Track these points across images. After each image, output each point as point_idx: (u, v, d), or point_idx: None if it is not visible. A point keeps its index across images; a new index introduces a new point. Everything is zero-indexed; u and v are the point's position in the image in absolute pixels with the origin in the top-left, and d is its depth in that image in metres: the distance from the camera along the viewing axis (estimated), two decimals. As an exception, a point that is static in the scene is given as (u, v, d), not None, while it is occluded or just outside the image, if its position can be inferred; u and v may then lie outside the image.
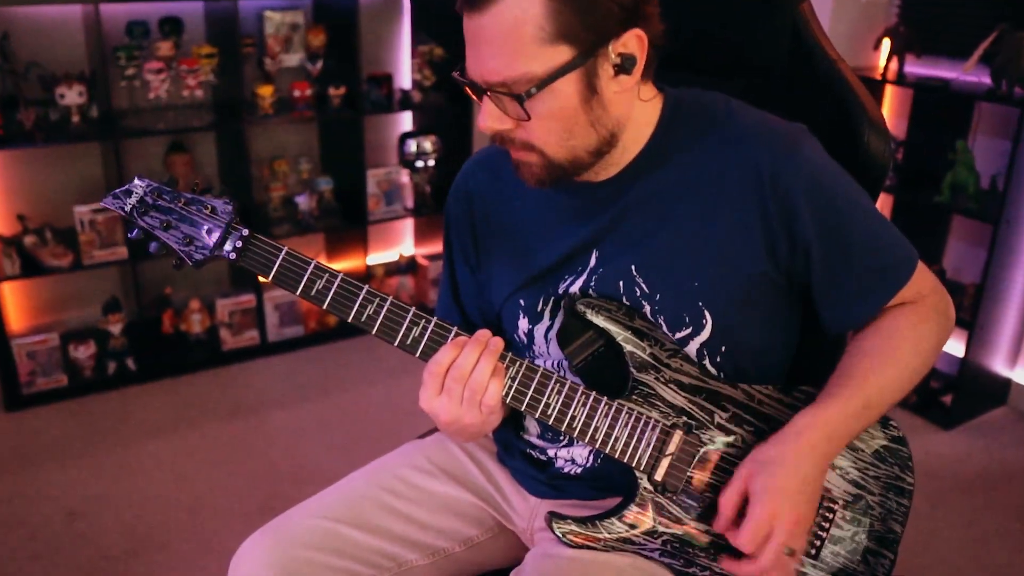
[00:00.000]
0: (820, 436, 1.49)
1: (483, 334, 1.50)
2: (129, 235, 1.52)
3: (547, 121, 1.46)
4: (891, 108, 4.52)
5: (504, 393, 1.52)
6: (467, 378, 1.48)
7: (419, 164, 4.89)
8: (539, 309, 1.67)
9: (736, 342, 1.59)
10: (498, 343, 1.50)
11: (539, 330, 1.68)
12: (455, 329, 1.52)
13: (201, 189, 1.52)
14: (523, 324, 1.70)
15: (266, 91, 4.37)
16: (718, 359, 1.59)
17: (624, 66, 1.46)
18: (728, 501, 1.50)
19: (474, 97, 1.49)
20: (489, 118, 1.48)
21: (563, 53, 1.40)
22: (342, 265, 4.85)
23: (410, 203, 4.93)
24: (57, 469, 3.67)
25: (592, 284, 1.61)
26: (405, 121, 5.11)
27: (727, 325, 1.57)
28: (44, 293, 4.38)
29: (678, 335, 1.57)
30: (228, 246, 1.50)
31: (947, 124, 4.24)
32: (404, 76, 4.95)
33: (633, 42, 1.45)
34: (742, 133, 1.54)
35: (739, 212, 1.53)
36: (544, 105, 1.44)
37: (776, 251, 1.54)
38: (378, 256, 5.14)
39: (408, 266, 5.16)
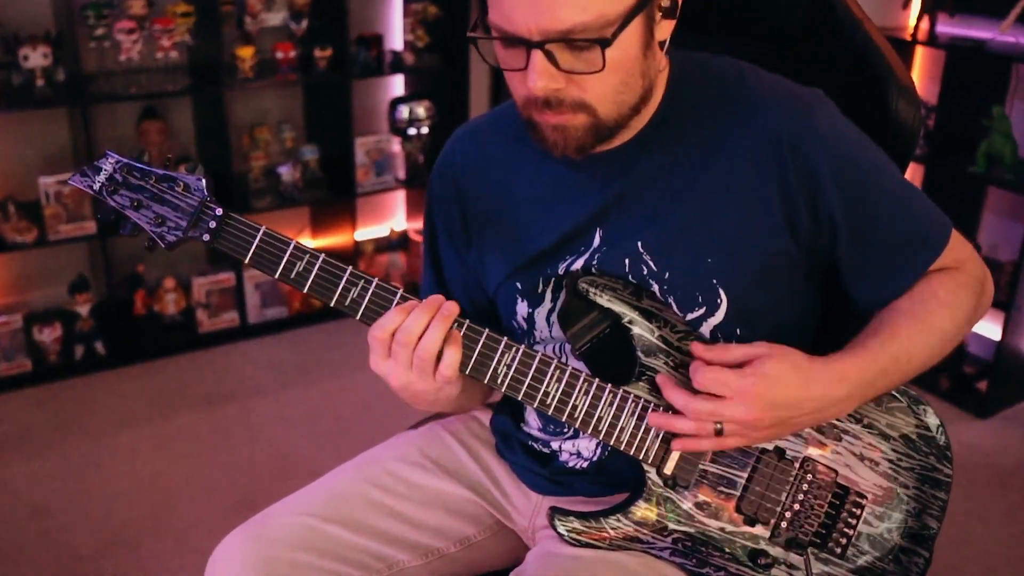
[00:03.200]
0: (844, 388, 1.49)
1: (434, 299, 1.50)
2: (98, 216, 1.52)
3: (609, 73, 1.41)
4: (921, 71, 4.51)
5: (500, 380, 1.52)
6: (414, 345, 1.48)
7: (411, 131, 4.87)
8: (539, 290, 1.66)
9: (753, 324, 1.59)
10: (451, 307, 1.49)
11: (540, 313, 1.68)
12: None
13: (175, 160, 1.51)
14: (522, 308, 1.69)
15: (246, 53, 4.35)
16: (733, 342, 1.59)
17: (672, 8, 1.45)
18: (731, 350, 1.49)
19: (498, 58, 1.46)
20: (544, 76, 1.40)
21: None
22: (328, 241, 4.86)
23: (402, 174, 4.93)
24: (20, 462, 3.67)
25: (595, 263, 1.61)
26: (396, 85, 5.10)
27: (744, 305, 1.57)
28: (6, 271, 4.37)
29: (690, 316, 1.57)
30: (202, 227, 1.50)
31: (982, 88, 4.24)
32: (395, 37, 4.93)
33: None
34: (757, 100, 1.54)
35: (756, 184, 1.53)
36: (612, 54, 1.39)
37: (797, 226, 1.54)
38: (367, 231, 5.13)
39: (399, 242, 5.16)
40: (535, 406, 1.54)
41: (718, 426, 1.47)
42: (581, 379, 1.53)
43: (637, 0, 1.38)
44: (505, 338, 1.52)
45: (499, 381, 1.53)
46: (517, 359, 1.52)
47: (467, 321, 1.52)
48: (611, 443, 1.55)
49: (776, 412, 1.46)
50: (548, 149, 1.51)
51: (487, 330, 1.52)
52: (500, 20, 1.40)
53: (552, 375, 1.53)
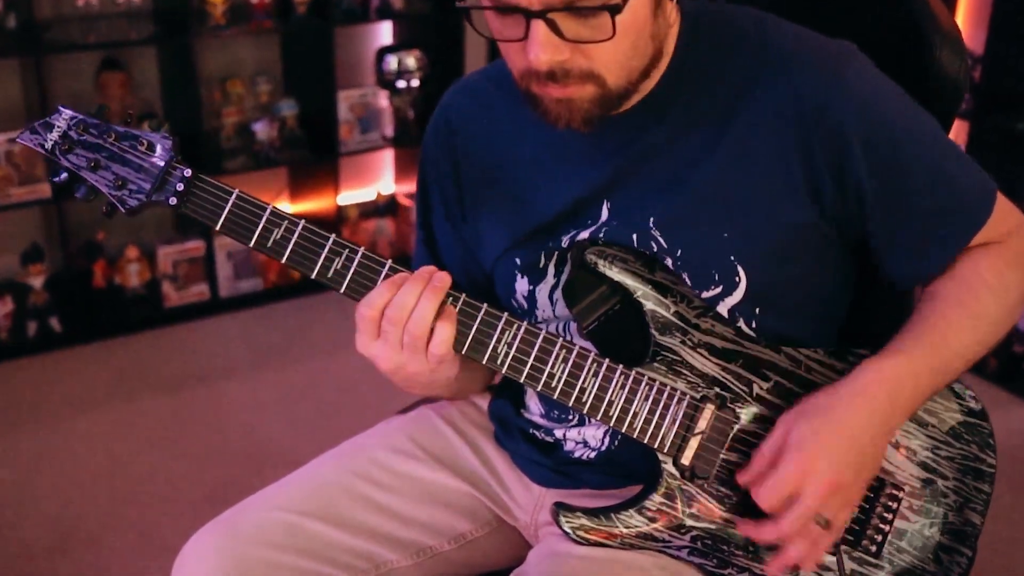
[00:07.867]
0: (884, 396, 1.49)
1: (425, 270, 1.49)
2: (53, 178, 1.51)
3: (620, 38, 1.41)
4: (967, 17, 4.50)
5: (500, 361, 1.52)
6: (405, 320, 1.47)
7: (400, 84, 4.87)
8: (541, 265, 1.66)
9: (775, 303, 1.59)
10: (443, 278, 1.48)
11: (542, 291, 1.67)
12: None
13: (137, 117, 1.51)
14: (522, 285, 1.69)
15: (217, -4, 4.35)
16: (754, 324, 1.59)
17: None
18: (762, 452, 1.50)
19: (493, 31, 1.45)
20: (549, 48, 1.39)
21: None
22: (309, 206, 4.86)
23: (389, 131, 4.92)
24: (-31, 450, 3.68)
25: (601, 238, 1.60)
26: (384, 33, 5.09)
27: (765, 283, 1.57)
28: (-49, 240, 4.37)
29: (705, 295, 1.57)
30: (168, 189, 1.49)
31: (1035, 36, 4.22)
32: (382, -22, 4.91)
33: None
34: (779, 55, 1.53)
35: (776, 150, 1.52)
36: (623, 18, 1.39)
37: (822, 195, 1.53)
38: (351, 195, 5.13)
39: (387, 207, 5.16)
40: (539, 389, 1.53)
41: (821, 521, 1.47)
42: (590, 359, 1.53)
43: None
44: (505, 314, 1.51)
45: (499, 362, 1.52)
46: (519, 337, 1.52)
47: (463, 295, 1.51)
48: (623, 430, 1.55)
49: (842, 460, 1.46)
50: (551, 123, 1.50)
51: (485, 305, 1.51)
52: None
53: (557, 355, 1.52)
